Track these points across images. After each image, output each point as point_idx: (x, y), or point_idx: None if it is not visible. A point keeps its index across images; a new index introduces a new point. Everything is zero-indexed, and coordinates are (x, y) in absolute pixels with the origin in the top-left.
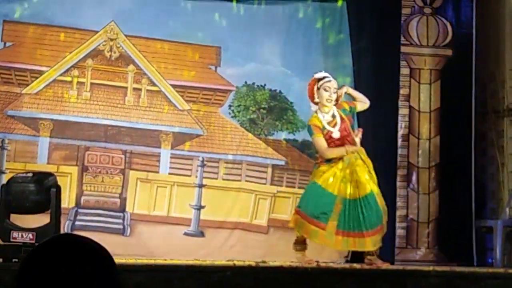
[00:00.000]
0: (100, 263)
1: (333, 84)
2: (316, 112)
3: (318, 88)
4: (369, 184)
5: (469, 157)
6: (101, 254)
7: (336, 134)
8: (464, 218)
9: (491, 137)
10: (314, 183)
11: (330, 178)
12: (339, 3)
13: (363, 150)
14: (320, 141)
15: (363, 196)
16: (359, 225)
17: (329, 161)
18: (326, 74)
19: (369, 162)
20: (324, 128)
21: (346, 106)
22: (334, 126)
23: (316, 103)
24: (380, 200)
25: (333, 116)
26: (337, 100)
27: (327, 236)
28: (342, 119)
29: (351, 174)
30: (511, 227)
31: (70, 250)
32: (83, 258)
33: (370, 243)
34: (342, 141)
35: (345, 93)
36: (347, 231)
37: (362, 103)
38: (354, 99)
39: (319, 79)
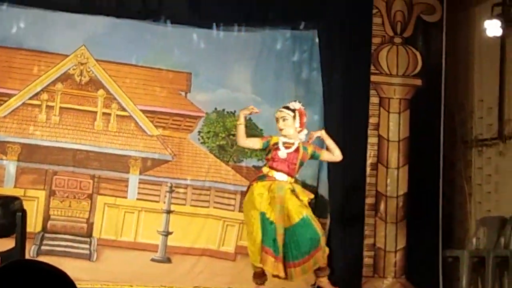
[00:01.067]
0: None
1: (282, 113)
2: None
3: (276, 120)
4: (299, 212)
5: (437, 187)
6: (61, 279)
7: (282, 154)
8: (431, 248)
9: (459, 167)
10: (264, 215)
11: (264, 202)
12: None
13: (296, 187)
14: (250, 140)
15: (294, 224)
16: (290, 254)
17: (261, 178)
18: (289, 105)
19: (301, 198)
20: (277, 143)
21: (310, 147)
22: (286, 148)
23: (281, 130)
24: (316, 223)
25: (293, 143)
26: (310, 138)
27: (278, 267)
28: (297, 150)
29: (281, 199)
30: (477, 257)
31: (26, 276)
32: (41, 284)
33: (299, 272)
34: (283, 164)
35: (319, 137)
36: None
37: (330, 154)
38: (326, 146)
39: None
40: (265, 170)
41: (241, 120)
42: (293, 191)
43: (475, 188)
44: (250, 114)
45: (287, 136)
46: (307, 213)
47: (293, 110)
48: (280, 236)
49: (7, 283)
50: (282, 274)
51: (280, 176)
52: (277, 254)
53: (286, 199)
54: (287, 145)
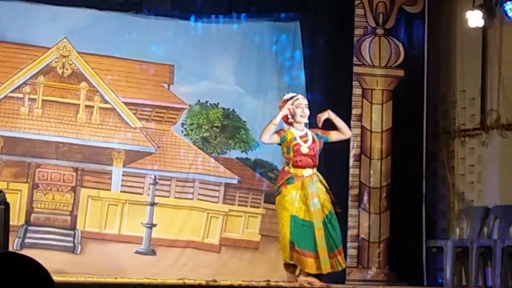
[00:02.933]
0: (38, 282)
1: (303, 100)
2: (289, 128)
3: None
4: (329, 203)
5: (420, 178)
6: (39, 272)
7: (304, 149)
8: (415, 238)
9: (442, 158)
10: (295, 217)
11: (296, 203)
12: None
13: (319, 175)
14: (268, 129)
15: (327, 214)
16: (331, 244)
17: (290, 181)
18: (293, 94)
19: (325, 184)
20: (294, 139)
21: (319, 132)
22: (305, 142)
23: (290, 123)
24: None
25: (306, 134)
26: (318, 121)
27: (323, 262)
28: (314, 139)
29: (312, 194)
30: (461, 247)
31: (8, 269)
32: (20, 276)
33: (342, 260)
34: (307, 159)
35: (327, 118)
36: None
37: (340, 134)
38: (334, 125)
39: (289, 99)
40: (291, 170)
41: (277, 122)
42: (321, 181)
43: (458, 178)
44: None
45: (300, 126)
46: (331, 209)
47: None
48: (319, 230)
49: None
50: (327, 268)
51: (307, 172)
52: (316, 251)
53: (318, 192)
54: (303, 139)
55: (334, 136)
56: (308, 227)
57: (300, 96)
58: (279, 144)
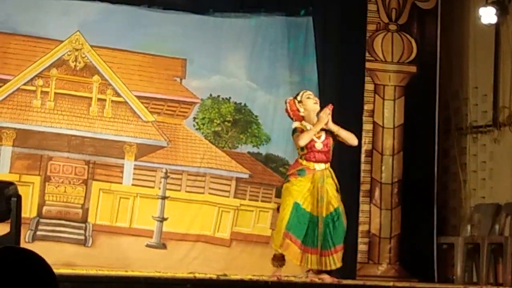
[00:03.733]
0: (42, 276)
1: (308, 91)
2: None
3: (300, 101)
4: (337, 200)
5: (431, 174)
6: (42, 266)
7: (319, 145)
8: (426, 234)
9: (454, 154)
10: (298, 205)
11: (304, 194)
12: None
13: (331, 171)
14: (300, 135)
15: (331, 212)
16: (327, 242)
17: (301, 172)
18: (298, 92)
19: (336, 182)
20: None
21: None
22: (319, 138)
23: (302, 118)
24: (344, 218)
25: (319, 132)
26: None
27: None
28: (327, 134)
29: (321, 189)
30: (472, 244)
31: (10, 262)
32: (22, 270)
33: (337, 259)
34: (321, 155)
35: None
36: (312, 248)
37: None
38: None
39: (296, 96)
40: (304, 162)
41: (318, 128)
42: (332, 177)
43: (469, 175)
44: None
45: (313, 117)
46: (340, 206)
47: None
48: (320, 228)
49: None
50: (303, 264)
51: (319, 166)
52: (309, 245)
53: (327, 187)
54: (317, 134)
55: (342, 133)
56: (312, 222)
57: (308, 93)
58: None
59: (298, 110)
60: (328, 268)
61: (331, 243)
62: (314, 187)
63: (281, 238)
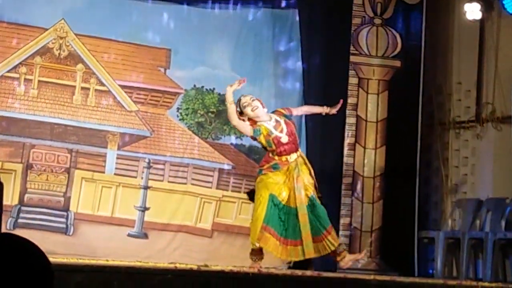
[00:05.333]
0: (35, 264)
1: (245, 98)
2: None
3: (241, 113)
4: (310, 188)
5: (414, 168)
6: (36, 254)
7: (284, 138)
8: (407, 228)
9: (436, 149)
10: (274, 197)
11: (282, 189)
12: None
13: (303, 154)
14: (233, 109)
15: (310, 198)
16: (317, 228)
17: (275, 166)
18: (248, 98)
19: (309, 166)
20: (271, 133)
21: (284, 112)
22: (281, 131)
23: (255, 122)
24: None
25: (277, 121)
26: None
27: (307, 247)
28: (286, 123)
29: (298, 179)
30: (452, 238)
31: (6, 250)
32: (19, 258)
33: (333, 239)
34: (290, 146)
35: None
36: (295, 240)
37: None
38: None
39: (237, 105)
40: (276, 158)
41: (231, 99)
42: (305, 163)
43: (451, 170)
44: (239, 86)
45: (265, 116)
46: (313, 192)
47: (257, 100)
48: (304, 216)
49: None
50: (311, 253)
51: (292, 157)
52: (291, 238)
53: (303, 174)
54: (278, 129)
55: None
56: (291, 214)
57: (241, 97)
58: (253, 138)
59: (244, 120)
60: (329, 250)
61: (322, 227)
62: (289, 180)
63: (258, 232)
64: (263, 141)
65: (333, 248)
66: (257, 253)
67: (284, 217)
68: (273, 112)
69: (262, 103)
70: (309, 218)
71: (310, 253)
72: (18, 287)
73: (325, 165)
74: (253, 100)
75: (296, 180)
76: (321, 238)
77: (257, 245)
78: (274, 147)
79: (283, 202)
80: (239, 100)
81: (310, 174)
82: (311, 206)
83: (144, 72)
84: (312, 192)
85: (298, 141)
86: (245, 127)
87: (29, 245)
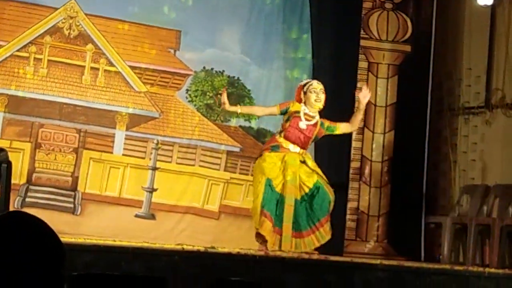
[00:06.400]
0: (47, 243)
1: (319, 85)
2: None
3: (305, 93)
4: (312, 176)
5: (422, 153)
6: (48, 233)
7: (302, 125)
8: (414, 213)
9: (445, 135)
10: (270, 182)
11: (277, 174)
12: None
13: (308, 156)
14: (267, 108)
15: (306, 193)
16: (305, 222)
17: (274, 148)
18: (308, 80)
19: (312, 166)
20: (298, 112)
21: (326, 123)
22: (307, 120)
23: (304, 103)
24: (328, 190)
25: (313, 117)
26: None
27: (285, 240)
28: (316, 125)
29: (294, 174)
30: (460, 224)
31: (18, 228)
32: (31, 236)
33: (325, 232)
34: (299, 134)
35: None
36: (280, 229)
37: (349, 126)
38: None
39: (303, 85)
40: (280, 139)
41: (234, 107)
42: (303, 162)
43: (460, 155)
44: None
45: (313, 109)
46: (318, 178)
47: (323, 96)
48: (289, 207)
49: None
50: (277, 245)
51: (294, 148)
52: (278, 226)
53: (298, 169)
54: (307, 117)
55: (342, 128)
56: (281, 201)
57: (314, 81)
58: (282, 114)
59: (301, 99)
60: (318, 244)
61: (311, 222)
62: (284, 168)
63: (258, 216)
64: (285, 116)
65: (322, 242)
66: (261, 236)
67: (276, 204)
68: (321, 117)
69: (325, 102)
70: (298, 211)
71: (286, 247)
72: (29, 265)
73: (333, 149)
74: (322, 93)
75: (289, 171)
76: (307, 233)
77: (258, 229)
78: (288, 124)
79: (276, 189)
80: (311, 84)
81: (317, 174)
82: (309, 198)
83: (154, 53)
84: (314, 181)
85: (309, 144)
86: (271, 111)
87: (38, 222)
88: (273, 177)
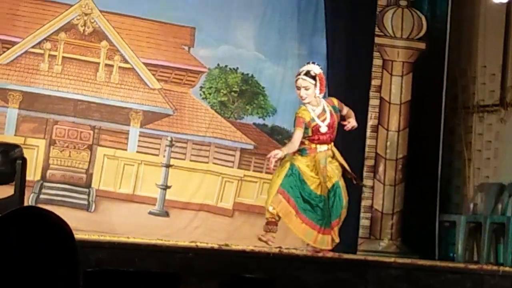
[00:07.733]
0: (61, 238)
1: (303, 81)
2: (304, 105)
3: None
4: (334, 175)
5: (436, 151)
6: (62, 228)
7: (323, 129)
8: (428, 212)
9: (460, 133)
10: (294, 167)
11: (310, 168)
12: None
13: (335, 149)
14: (297, 135)
15: (328, 190)
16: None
17: (302, 152)
18: (300, 71)
19: (341, 161)
20: (313, 120)
21: (336, 103)
22: (323, 121)
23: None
24: (344, 194)
25: (324, 110)
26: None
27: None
28: (331, 114)
29: (323, 170)
30: (474, 222)
31: (33, 223)
32: (45, 231)
33: (336, 236)
34: (325, 137)
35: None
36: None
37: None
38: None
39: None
40: (306, 142)
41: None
42: (333, 156)
43: (474, 154)
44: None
45: (310, 103)
46: (338, 179)
47: (314, 77)
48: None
49: (16, 227)
50: (293, 225)
51: (322, 147)
52: (299, 208)
53: (329, 166)
54: (321, 117)
55: (344, 110)
56: (301, 181)
57: (300, 77)
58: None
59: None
60: (327, 247)
61: (333, 218)
62: (316, 168)
63: (273, 196)
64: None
65: (330, 248)
66: (272, 224)
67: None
68: (325, 97)
69: (322, 87)
70: (324, 208)
71: (311, 241)
72: (44, 259)
73: (348, 146)
74: (305, 89)
75: (322, 171)
76: (330, 230)
77: (271, 209)
78: (310, 133)
79: (310, 186)
80: (296, 80)
81: (343, 167)
82: (331, 197)
83: (168, 50)
84: (334, 182)
85: (335, 135)
86: (299, 136)
87: (54, 217)
88: (302, 167)
